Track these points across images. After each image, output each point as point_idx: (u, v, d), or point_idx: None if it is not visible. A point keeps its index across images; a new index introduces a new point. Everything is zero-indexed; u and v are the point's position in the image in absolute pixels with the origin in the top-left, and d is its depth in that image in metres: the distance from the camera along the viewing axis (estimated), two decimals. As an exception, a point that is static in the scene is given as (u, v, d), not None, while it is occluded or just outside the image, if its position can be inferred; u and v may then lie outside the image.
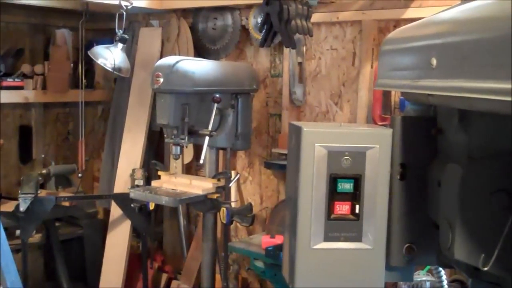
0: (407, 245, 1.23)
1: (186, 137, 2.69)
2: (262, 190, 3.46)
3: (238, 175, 3.22)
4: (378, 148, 1.14)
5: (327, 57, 3.17)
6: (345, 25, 3.08)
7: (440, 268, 1.30)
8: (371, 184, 1.14)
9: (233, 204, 3.12)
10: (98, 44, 3.38)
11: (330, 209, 1.14)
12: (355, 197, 1.14)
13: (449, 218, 1.07)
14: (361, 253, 1.14)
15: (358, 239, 1.14)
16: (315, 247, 1.13)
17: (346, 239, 1.14)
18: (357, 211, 1.14)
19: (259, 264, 3.04)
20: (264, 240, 3.01)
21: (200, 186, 2.79)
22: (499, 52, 0.85)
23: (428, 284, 2.43)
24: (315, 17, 2.76)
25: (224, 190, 2.87)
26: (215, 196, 2.83)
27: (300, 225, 1.13)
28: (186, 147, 2.89)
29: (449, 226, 1.07)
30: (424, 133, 1.21)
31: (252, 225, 3.08)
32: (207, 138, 2.69)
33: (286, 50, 3.19)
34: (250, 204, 2.89)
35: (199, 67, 2.74)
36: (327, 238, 1.13)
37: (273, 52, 3.36)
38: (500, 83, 0.83)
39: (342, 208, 1.14)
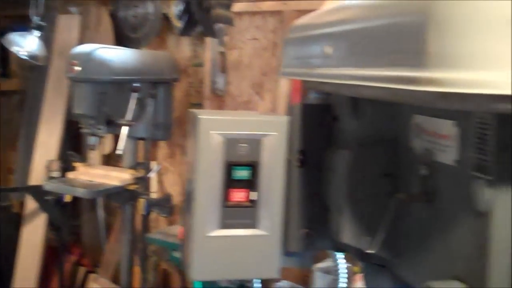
0: (304, 230, 1.25)
1: (104, 127, 2.63)
2: (183, 180, 3.44)
3: (159, 166, 3.19)
4: (274, 135, 1.15)
5: (248, 47, 3.17)
6: (267, 15, 3.09)
7: (337, 253, 1.33)
8: (267, 171, 1.15)
9: (153, 195, 3.08)
10: (15, 31, 3.25)
11: (226, 196, 1.13)
12: (251, 184, 1.15)
13: (338, 203, 1.09)
14: (257, 239, 1.15)
15: (254, 225, 1.15)
16: (211, 234, 1.12)
17: (242, 226, 1.14)
18: (253, 198, 1.14)
19: (178, 255, 3.02)
20: (180, 231, 2.99)
21: (118, 177, 2.74)
22: (379, 40, 0.87)
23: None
24: (237, 7, 2.76)
25: (143, 181, 2.83)
26: (133, 187, 2.78)
27: (196, 212, 1.12)
28: (104, 137, 2.82)
29: (338, 210, 1.09)
30: (322, 120, 1.22)
31: (172, 216, 3.05)
32: (125, 128, 2.64)
33: (207, 40, 3.17)
34: (169, 195, 2.86)
35: (117, 55, 2.68)
36: (223, 226, 1.13)
37: (194, 41, 3.32)
38: (381, 71, 0.85)
39: (238, 195, 1.14)
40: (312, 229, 1.25)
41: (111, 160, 3.58)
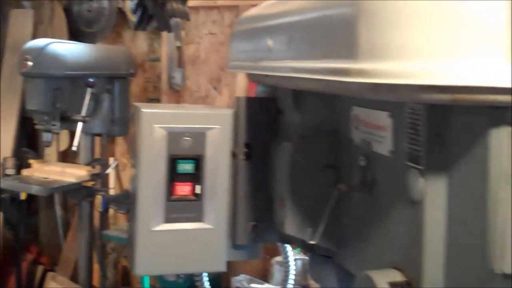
0: (252, 223, 1.25)
1: (58, 123, 2.60)
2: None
3: (116, 162, 3.16)
4: (218, 128, 1.14)
5: (206, 41, 3.16)
6: (223, 9, 3.09)
7: (286, 245, 1.34)
8: (211, 165, 1.15)
9: (110, 192, 3.05)
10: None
11: (170, 190, 1.13)
12: (195, 177, 1.14)
13: (282, 195, 1.10)
14: (202, 233, 1.14)
15: (199, 219, 1.14)
16: (155, 229, 1.12)
17: (187, 220, 1.14)
18: (197, 191, 1.14)
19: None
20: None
21: (74, 173, 2.71)
22: (314, 33, 0.88)
23: (299, 262, 2.50)
24: (193, 1, 2.74)
25: (100, 177, 2.80)
26: (90, 183, 2.75)
27: (140, 207, 1.12)
28: (58, 133, 2.78)
29: (281, 202, 1.10)
30: (267, 113, 1.23)
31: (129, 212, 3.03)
32: (80, 124, 2.61)
33: (164, 34, 3.15)
34: (127, 191, 2.83)
35: (71, 50, 2.64)
36: (167, 220, 1.12)
37: (151, 36, 3.30)
38: (316, 63, 0.86)
39: (183, 189, 1.14)
40: (259, 221, 1.26)
41: (67, 156, 3.54)
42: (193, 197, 1.14)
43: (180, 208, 1.14)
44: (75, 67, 2.54)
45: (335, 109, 1.08)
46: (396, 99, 0.78)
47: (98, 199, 2.77)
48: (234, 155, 1.26)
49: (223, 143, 1.16)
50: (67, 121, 2.62)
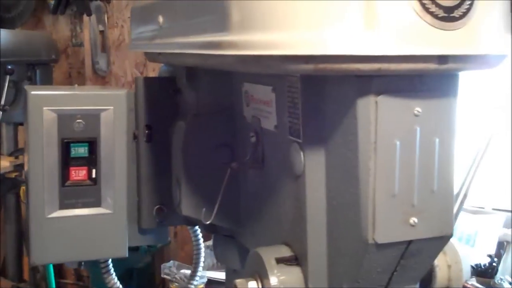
0: (157, 206, 1.23)
1: (-24, 113, 2.50)
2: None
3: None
4: (112, 109, 1.11)
5: (129, 25, 3.09)
6: (147, -8, 3.02)
7: (196, 228, 1.32)
8: (107, 147, 1.11)
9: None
10: None
11: (64, 175, 1.09)
12: (91, 161, 1.11)
13: (177, 175, 1.08)
14: (101, 218, 1.11)
15: (97, 204, 1.11)
16: (50, 216, 1.08)
17: (84, 205, 1.10)
18: (94, 175, 1.10)
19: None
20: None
21: (-5, 164, 2.61)
22: (193, 7, 0.86)
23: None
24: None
25: (24, 168, 2.71)
26: (13, 174, 2.67)
27: (32, 194, 1.08)
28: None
29: (177, 183, 1.08)
30: (167, 93, 1.20)
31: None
32: (-1, 113, 2.52)
33: (86, 18, 3.06)
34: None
35: (-13, 37, 2.53)
36: (62, 206, 1.09)
37: (73, 20, 3.21)
38: (194, 37, 0.84)
39: (78, 173, 1.10)
40: (164, 204, 1.23)
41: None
42: (89, 182, 1.11)
43: (76, 193, 1.10)
44: (-9, 54, 2.45)
45: (228, 86, 1.06)
46: (263, 71, 0.77)
47: (22, 190, 2.69)
48: (135, 137, 1.23)
49: (119, 124, 1.12)
50: (-14, 111, 2.53)
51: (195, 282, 1.35)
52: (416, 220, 0.74)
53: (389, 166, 0.72)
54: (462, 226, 3.05)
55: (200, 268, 1.35)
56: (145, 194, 1.23)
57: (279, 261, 0.85)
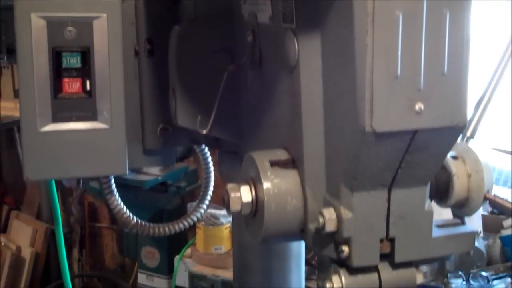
0: (160, 126, 1.16)
1: (5, 56, 2.49)
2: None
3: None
4: (105, 17, 1.03)
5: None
6: None
7: (204, 146, 1.25)
8: (102, 58, 1.04)
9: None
10: None
11: (57, 86, 1.03)
12: (85, 72, 1.04)
13: (173, 85, 1.00)
14: (97, 133, 1.05)
15: (92, 118, 1.04)
16: (42, 129, 1.02)
17: (78, 119, 1.04)
18: (88, 88, 1.04)
19: (94, 184, 2.93)
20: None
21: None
22: None
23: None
24: None
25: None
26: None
27: (24, 106, 1.02)
28: (6, 68, 2.67)
29: (173, 93, 1.00)
30: (167, 3, 1.12)
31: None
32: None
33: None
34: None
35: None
36: (55, 119, 1.03)
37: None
38: None
39: (72, 85, 1.03)
40: (168, 123, 1.17)
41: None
42: (84, 94, 1.04)
43: (70, 106, 1.04)
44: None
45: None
46: None
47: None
48: (136, 53, 1.16)
49: (114, 34, 1.04)
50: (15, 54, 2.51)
51: (204, 206, 1.29)
52: (422, 106, 0.64)
53: (390, 42, 0.62)
54: (500, 166, 2.90)
55: (210, 189, 1.28)
56: (148, 113, 1.17)
57: (274, 164, 0.77)
